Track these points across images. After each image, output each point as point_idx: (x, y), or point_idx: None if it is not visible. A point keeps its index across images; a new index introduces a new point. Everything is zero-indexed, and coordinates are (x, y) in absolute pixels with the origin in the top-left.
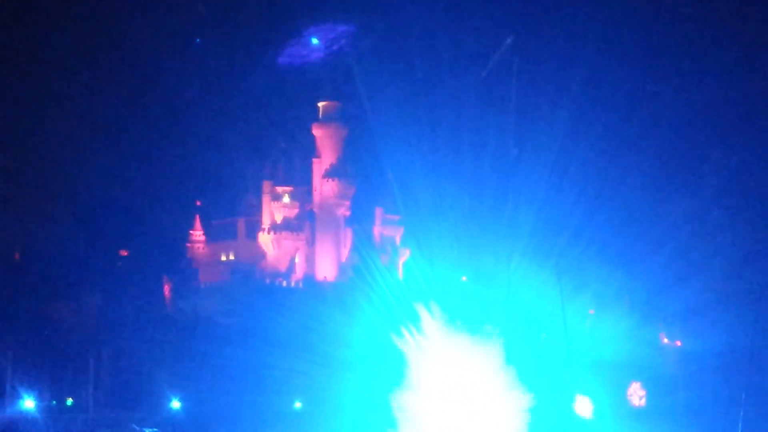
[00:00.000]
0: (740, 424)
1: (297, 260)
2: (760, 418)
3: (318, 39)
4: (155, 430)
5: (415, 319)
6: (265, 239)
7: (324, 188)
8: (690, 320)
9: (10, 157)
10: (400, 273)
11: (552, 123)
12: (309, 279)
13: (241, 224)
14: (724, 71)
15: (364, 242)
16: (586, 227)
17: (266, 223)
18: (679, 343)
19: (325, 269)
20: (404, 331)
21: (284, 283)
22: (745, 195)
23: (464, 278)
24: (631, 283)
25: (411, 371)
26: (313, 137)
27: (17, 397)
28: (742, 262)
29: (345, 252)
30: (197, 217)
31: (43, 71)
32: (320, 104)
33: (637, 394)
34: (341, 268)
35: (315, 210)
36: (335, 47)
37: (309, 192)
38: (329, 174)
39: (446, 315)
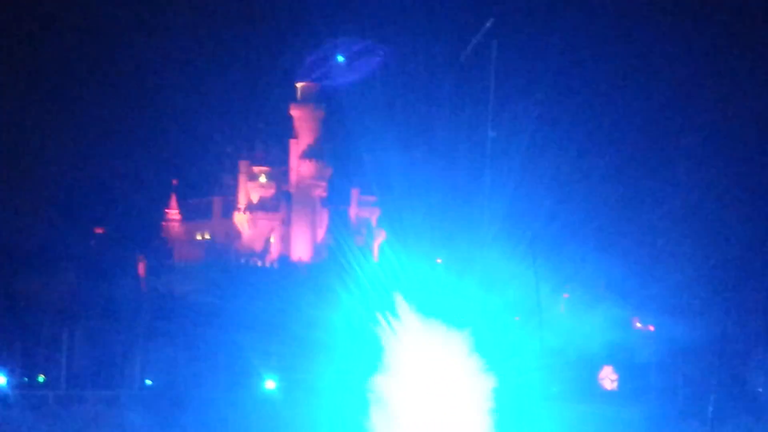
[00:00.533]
0: (710, 408)
1: (272, 240)
2: (731, 403)
3: (296, 20)
4: (127, 407)
5: (389, 303)
6: (240, 219)
7: (301, 169)
8: (663, 305)
9: None
10: (376, 255)
11: (529, 105)
12: (284, 259)
13: (216, 203)
14: (706, 52)
15: (339, 223)
16: (562, 209)
17: (242, 202)
18: (652, 328)
19: (301, 250)
20: (378, 315)
21: (259, 263)
22: (728, 179)
23: (439, 260)
24: (605, 268)
25: (384, 354)
26: (290, 118)
27: None
28: (718, 246)
29: (321, 233)
30: (173, 195)
31: (18, 50)
32: (298, 85)
33: (609, 378)
34: (316, 249)
35: (291, 191)
36: (314, 28)
37: (285, 172)
38: (306, 155)
39: (420, 298)
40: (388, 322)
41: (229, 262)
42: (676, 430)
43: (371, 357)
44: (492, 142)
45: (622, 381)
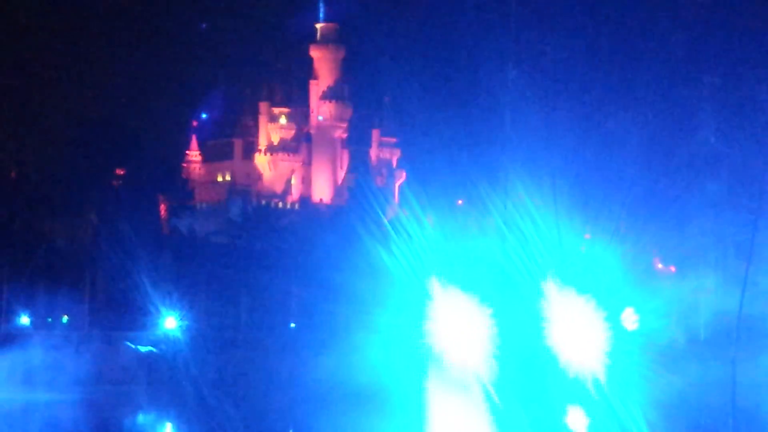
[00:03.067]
0: (733, 349)
1: (293, 182)
2: (753, 343)
3: None
4: (150, 348)
5: (409, 243)
6: (261, 160)
7: (321, 110)
8: (685, 245)
9: (7, 76)
10: (396, 196)
11: (553, 40)
12: (305, 201)
13: (237, 145)
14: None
15: (360, 165)
16: (583, 149)
17: (263, 144)
18: (673, 269)
19: (322, 191)
20: (398, 255)
21: (280, 205)
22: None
23: (460, 202)
24: (628, 206)
25: (404, 296)
26: (310, 59)
27: (13, 313)
28: (745, 188)
29: (341, 174)
30: (193, 137)
31: None
32: (318, 26)
33: (630, 319)
34: (337, 191)
35: (312, 132)
36: None
37: (306, 114)
38: (326, 96)
39: (441, 238)
40: (409, 264)
41: (250, 203)
42: (698, 369)
43: (392, 298)
44: (513, 82)
45: (642, 321)
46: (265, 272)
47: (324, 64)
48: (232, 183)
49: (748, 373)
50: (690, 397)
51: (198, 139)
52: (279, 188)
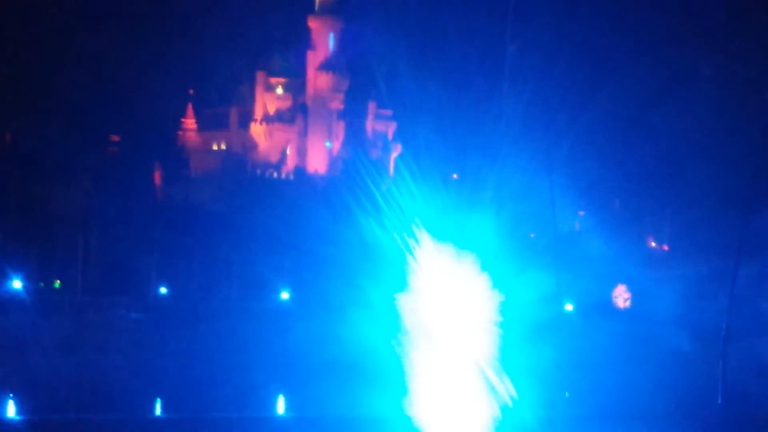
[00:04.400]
0: (723, 329)
1: (288, 152)
2: (742, 323)
3: None
4: (142, 314)
5: (403, 217)
6: (257, 130)
7: (318, 81)
8: (678, 224)
9: (1, 41)
10: (391, 168)
11: (549, 12)
12: (300, 171)
13: (233, 114)
14: None
15: (355, 136)
16: (579, 125)
17: (259, 114)
18: (666, 248)
19: (317, 162)
20: (391, 228)
21: (275, 174)
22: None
23: (455, 176)
24: (622, 185)
25: (396, 269)
26: (308, 29)
27: (6, 277)
28: (735, 166)
29: (337, 145)
30: (189, 105)
31: None
32: None
33: (622, 297)
34: (332, 162)
35: (308, 102)
36: None
37: (302, 84)
38: (323, 67)
39: (435, 212)
40: (402, 238)
41: (245, 172)
42: (686, 350)
43: (384, 271)
44: (509, 56)
45: (635, 299)
46: (258, 242)
47: (321, 34)
48: (228, 152)
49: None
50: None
51: (194, 107)
52: (274, 158)
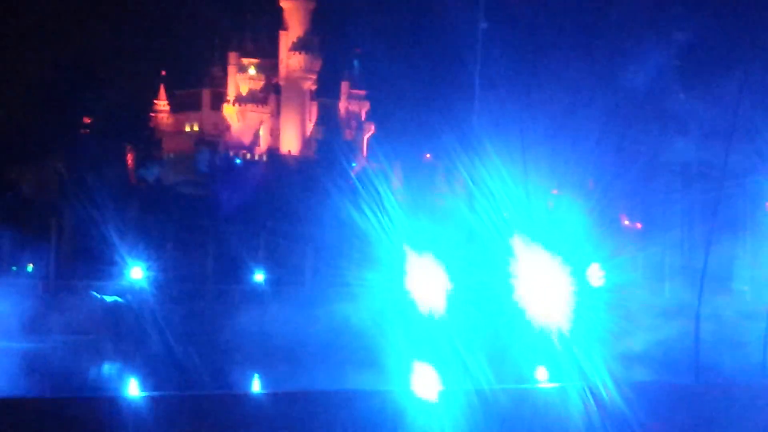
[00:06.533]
0: (698, 304)
1: (261, 133)
2: (715, 297)
3: None
4: (116, 298)
5: (376, 196)
6: (229, 111)
7: (290, 61)
8: (652, 202)
9: None
10: (365, 149)
11: None
12: (273, 152)
13: (205, 95)
14: None
15: (329, 117)
16: (552, 102)
17: (231, 94)
18: (639, 226)
19: (290, 143)
20: (366, 209)
21: (248, 156)
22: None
23: (428, 156)
24: (595, 161)
25: (371, 249)
26: (280, 9)
27: None
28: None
29: (310, 126)
30: (161, 86)
31: None
32: None
33: (595, 275)
34: (306, 142)
35: (281, 83)
36: None
37: (275, 65)
38: (296, 47)
39: (408, 191)
40: (376, 217)
41: (218, 154)
42: (666, 327)
43: (357, 252)
44: (482, 35)
45: (608, 278)
46: (232, 223)
47: (294, 14)
48: (201, 133)
49: (709, 328)
50: (655, 351)
51: (166, 88)
52: (247, 139)
